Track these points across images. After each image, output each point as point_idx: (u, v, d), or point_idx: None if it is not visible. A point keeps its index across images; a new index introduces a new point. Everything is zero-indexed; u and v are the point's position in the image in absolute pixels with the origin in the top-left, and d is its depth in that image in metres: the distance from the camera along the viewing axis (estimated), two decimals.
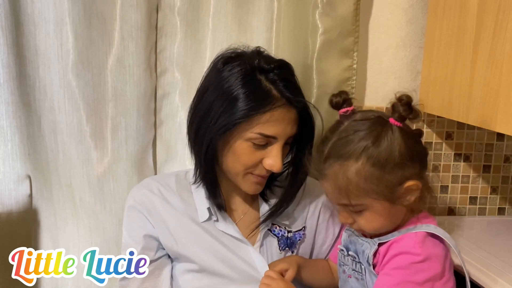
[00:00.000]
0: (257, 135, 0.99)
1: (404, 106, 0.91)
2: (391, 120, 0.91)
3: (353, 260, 1.00)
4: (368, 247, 0.96)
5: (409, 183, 0.90)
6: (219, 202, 1.08)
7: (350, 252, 1.00)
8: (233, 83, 0.99)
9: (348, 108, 0.96)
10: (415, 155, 0.91)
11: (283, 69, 1.03)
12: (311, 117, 1.06)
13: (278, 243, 1.10)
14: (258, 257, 1.08)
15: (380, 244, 0.94)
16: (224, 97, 0.99)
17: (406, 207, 0.94)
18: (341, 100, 0.96)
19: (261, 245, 1.10)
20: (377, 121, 0.91)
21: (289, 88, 1.01)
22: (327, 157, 0.92)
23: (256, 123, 0.99)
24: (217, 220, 1.08)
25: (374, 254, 0.94)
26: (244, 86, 0.99)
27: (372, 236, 0.98)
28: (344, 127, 0.93)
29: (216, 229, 1.09)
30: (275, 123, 0.99)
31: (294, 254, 1.12)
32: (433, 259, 0.89)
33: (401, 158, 0.88)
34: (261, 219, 1.10)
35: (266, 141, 1.00)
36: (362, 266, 0.97)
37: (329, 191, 0.94)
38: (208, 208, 1.08)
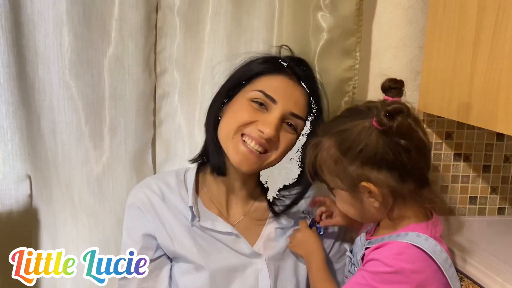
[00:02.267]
0: (257, 92, 1.04)
1: (386, 115, 0.86)
2: (374, 121, 0.87)
3: (350, 261, 1.00)
4: (359, 250, 0.96)
5: (364, 183, 0.88)
6: (220, 164, 1.09)
7: (347, 253, 1.01)
8: (256, 61, 1.10)
9: (387, 98, 0.90)
10: (383, 161, 0.87)
11: (300, 60, 1.13)
12: (321, 102, 1.10)
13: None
14: (249, 248, 1.08)
15: (367, 248, 0.94)
16: (243, 68, 1.10)
17: (377, 210, 0.91)
18: (388, 86, 0.91)
19: (261, 238, 1.11)
20: (363, 114, 0.90)
21: (300, 67, 1.09)
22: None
23: (260, 82, 1.05)
24: (199, 220, 1.08)
25: (362, 258, 0.94)
26: (262, 58, 1.10)
27: (370, 237, 0.98)
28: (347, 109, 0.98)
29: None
30: (279, 88, 1.05)
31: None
32: (403, 274, 0.86)
33: (361, 155, 0.87)
34: (269, 217, 1.13)
35: (265, 102, 1.04)
36: (356, 268, 0.97)
37: None
38: (190, 207, 1.08)
